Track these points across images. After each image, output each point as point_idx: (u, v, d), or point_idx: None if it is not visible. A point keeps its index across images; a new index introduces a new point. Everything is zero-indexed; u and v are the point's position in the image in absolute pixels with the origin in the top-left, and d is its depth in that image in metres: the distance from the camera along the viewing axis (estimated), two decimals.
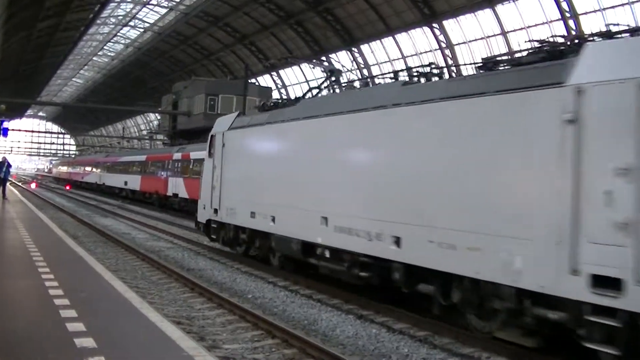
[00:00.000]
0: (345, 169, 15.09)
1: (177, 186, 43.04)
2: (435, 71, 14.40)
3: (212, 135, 22.75)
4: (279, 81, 67.38)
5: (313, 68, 22.87)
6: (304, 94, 20.15)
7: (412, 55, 48.92)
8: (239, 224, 20.37)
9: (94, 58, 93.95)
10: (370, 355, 11.15)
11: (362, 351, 11.35)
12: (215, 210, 21.67)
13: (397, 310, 13.91)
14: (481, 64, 12.62)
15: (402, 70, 15.86)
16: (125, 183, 58.29)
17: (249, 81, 55.34)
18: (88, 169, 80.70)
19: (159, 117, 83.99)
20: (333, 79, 20.03)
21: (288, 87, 66.48)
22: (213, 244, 23.50)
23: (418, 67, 14.84)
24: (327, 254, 15.62)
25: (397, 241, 12.97)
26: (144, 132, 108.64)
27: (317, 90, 20.13)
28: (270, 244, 18.63)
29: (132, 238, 27.46)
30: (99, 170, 72.66)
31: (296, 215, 16.82)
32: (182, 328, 11.08)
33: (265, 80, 67.59)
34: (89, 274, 14.79)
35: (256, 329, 12.48)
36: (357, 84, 19.01)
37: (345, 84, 18.54)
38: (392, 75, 15.95)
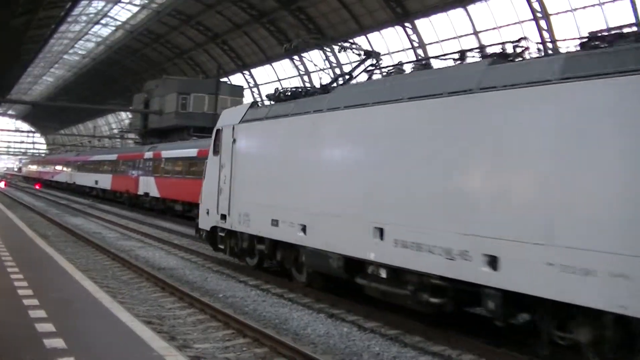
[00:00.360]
0: (409, 169, 12.25)
1: (148, 185, 42.92)
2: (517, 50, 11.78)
3: (217, 130, 19.77)
4: (251, 80, 67.22)
5: (340, 52, 19.19)
6: (332, 81, 17.45)
7: (383, 55, 48.93)
8: (256, 233, 17.31)
9: (65, 56, 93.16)
10: (342, 353, 11.16)
11: (333, 350, 11.36)
12: (223, 216, 18.75)
13: (367, 309, 13.95)
14: (587, 39, 10.18)
15: (471, 49, 12.97)
16: (96, 182, 57.98)
17: (221, 80, 55.33)
18: (58, 167, 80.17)
19: (130, 116, 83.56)
20: (370, 62, 17.24)
21: (260, 86, 66.35)
22: (218, 254, 20.64)
23: (495, 44, 12.23)
24: (383, 273, 12.84)
25: (493, 261, 10.29)
26: (115, 131, 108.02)
27: (348, 77, 17.63)
28: (298, 258, 16.01)
29: (103, 237, 27.28)
30: (69, 169, 72.25)
31: (337, 225, 14.02)
32: (152, 328, 11.06)
33: (237, 79, 67.40)
34: (59, 273, 14.72)
35: (227, 328, 12.46)
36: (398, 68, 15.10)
37: (393, 67, 14.92)
38: (456, 56, 13.06)
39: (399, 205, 12.36)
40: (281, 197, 16.16)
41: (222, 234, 19.20)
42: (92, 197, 58.23)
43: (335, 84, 17.13)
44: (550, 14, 36.36)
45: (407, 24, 45.28)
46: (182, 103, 52.22)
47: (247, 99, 61.80)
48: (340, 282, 14.91)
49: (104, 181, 55.15)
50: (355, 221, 13.43)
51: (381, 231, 12.60)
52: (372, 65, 17.04)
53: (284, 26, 54.90)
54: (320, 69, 52.63)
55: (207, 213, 20.00)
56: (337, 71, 51.86)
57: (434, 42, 44.57)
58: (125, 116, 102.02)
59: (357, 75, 17.45)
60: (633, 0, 31.41)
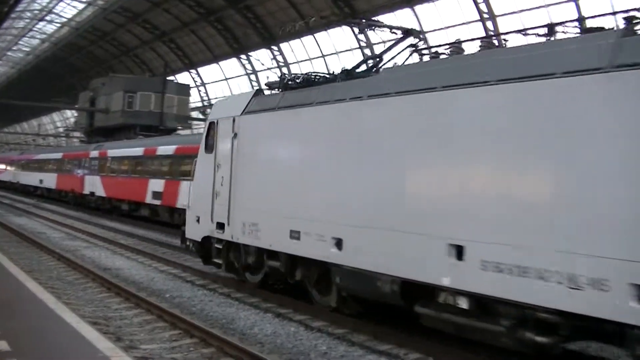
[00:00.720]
0: (505, 168, 9.66)
1: (94, 184, 42.58)
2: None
3: (211, 123, 17.04)
4: (198, 79, 66.94)
5: (361, 32, 13.86)
6: (357, 65, 14.64)
7: (331, 54, 49.17)
8: (267, 246, 14.52)
9: (8, 53, 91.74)
10: (289, 353, 11.18)
11: (280, 349, 11.38)
12: (220, 225, 16.01)
13: (314, 308, 13.97)
14: None
15: (561, 23, 10.65)
16: (41, 181, 57.37)
17: (168, 78, 55.01)
18: (1, 167, 79.01)
19: (75, 114, 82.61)
20: (410, 42, 14.45)
21: (207, 85, 66.16)
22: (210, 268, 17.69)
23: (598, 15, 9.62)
24: (463, 303, 10.23)
25: None
26: (61, 130, 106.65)
27: (378, 59, 14.88)
28: (328, 279, 13.23)
29: (48, 237, 26.92)
30: (13, 168, 71.27)
31: (391, 241, 11.25)
32: (98, 329, 10.99)
33: (184, 78, 67.05)
34: (2, 274, 14.55)
35: (174, 328, 12.42)
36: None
37: (450, 46, 12.14)
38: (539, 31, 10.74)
39: (489, 216, 9.72)
40: (304, 204, 13.45)
41: (219, 246, 16.45)
42: (37, 197, 57.51)
43: (359, 69, 14.54)
44: (497, 15, 36.80)
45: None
46: (129, 101, 51.81)
47: (194, 97, 61.70)
48: (386, 310, 12.65)
49: (49, 180, 54.57)
50: (419, 236, 10.68)
51: (459, 249, 9.96)
52: (412, 45, 14.34)
53: (232, 25, 54.78)
54: (268, 68, 52.83)
55: (198, 221, 17.17)
56: (285, 70, 51.96)
57: (381, 42, 44.73)
58: (70, 114, 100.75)
59: (393, 57, 14.68)
60: (578, 3, 31.95)
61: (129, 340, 11.39)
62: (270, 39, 52.51)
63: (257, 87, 16.12)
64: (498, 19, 36.79)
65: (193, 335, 11.83)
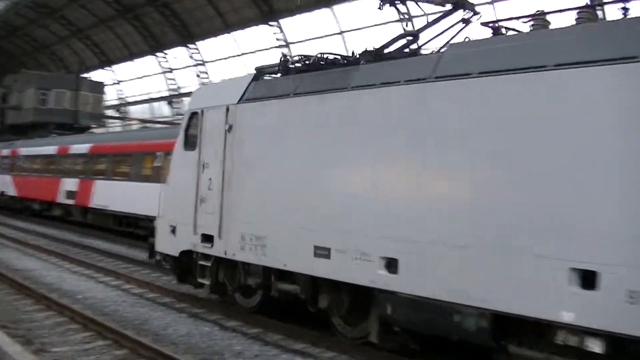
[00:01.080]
0: None
1: (4, 184, 41.77)
2: None
3: (193, 114, 14.25)
4: (114, 76, 66.07)
5: (382, 7, 10.44)
6: (388, 44, 11.85)
7: (250, 53, 49.05)
8: (279, 265, 11.85)
9: None
10: (203, 353, 11.13)
11: (194, 349, 11.32)
12: (208, 238, 13.33)
13: (228, 309, 13.95)
14: None
15: None
16: None
17: (83, 76, 54.24)
18: None
19: None
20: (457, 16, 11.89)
21: (123, 83, 65.41)
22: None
23: None
24: (596, 346, 7.57)
25: None
26: None
27: (412, 38, 12.41)
28: (366, 306, 10.70)
29: None
30: None
31: (476, 262, 8.65)
32: (7, 332, 10.82)
33: (100, 76, 66.10)
34: None
35: (86, 330, 12.24)
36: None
37: (532, 19, 9.66)
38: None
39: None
40: (337, 213, 10.76)
41: (205, 263, 13.70)
42: None
43: (387, 50, 11.93)
44: (414, 16, 37.09)
45: (272, 23, 45.46)
46: (42, 99, 50.87)
47: (110, 95, 60.90)
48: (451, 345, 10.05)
49: None
50: (522, 256, 8.13)
51: (589, 275, 7.48)
52: (463, 20, 11.88)
53: (150, 22, 54.24)
54: (185, 67, 52.53)
55: (173, 232, 14.41)
56: (203, 69, 51.77)
57: (299, 42, 44.97)
58: None
59: (439, 34, 12.22)
60: None
61: (40, 343, 11.16)
62: (187, 37, 52.16)
63: (256, 71, 13.50)
64: (414, 20, 37.09)
65: (106, 336, 11.69)
